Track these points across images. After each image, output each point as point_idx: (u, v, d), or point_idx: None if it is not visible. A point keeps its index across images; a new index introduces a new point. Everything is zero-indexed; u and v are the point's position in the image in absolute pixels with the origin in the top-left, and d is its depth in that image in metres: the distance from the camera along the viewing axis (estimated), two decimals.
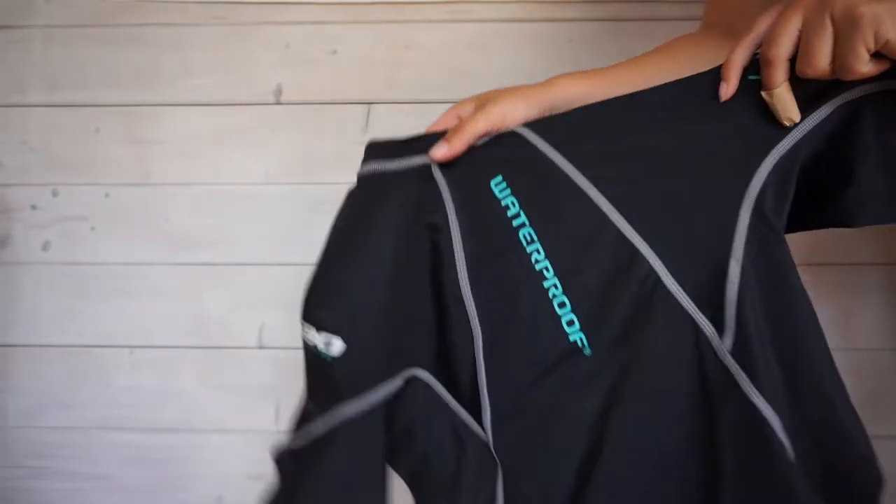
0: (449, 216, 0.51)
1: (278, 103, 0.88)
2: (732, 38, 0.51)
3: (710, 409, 0.45)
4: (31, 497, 0.89)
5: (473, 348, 0.49)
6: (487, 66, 0.87)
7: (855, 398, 0.92)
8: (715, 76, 0.47)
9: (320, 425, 0.50)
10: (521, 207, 0.50)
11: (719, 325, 0.46)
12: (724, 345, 0.45)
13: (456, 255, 0.50)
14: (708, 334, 0.46)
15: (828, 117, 0.45)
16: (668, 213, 0.47)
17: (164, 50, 0.88)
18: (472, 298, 0.50)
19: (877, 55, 0.40)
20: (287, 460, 0.52)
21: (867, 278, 0.83)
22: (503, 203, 0.50)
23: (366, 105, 0.87)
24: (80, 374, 0.89)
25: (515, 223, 0.49)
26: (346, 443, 0.49)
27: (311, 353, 0.50)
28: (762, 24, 0.45)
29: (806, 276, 0.91)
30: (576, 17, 0.85)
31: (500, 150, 0.51)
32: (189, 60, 0.88)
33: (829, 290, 0.84)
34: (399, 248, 0.51)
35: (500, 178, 0.50)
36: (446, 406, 0.50)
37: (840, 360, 0.90)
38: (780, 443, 0.44)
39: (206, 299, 0.88)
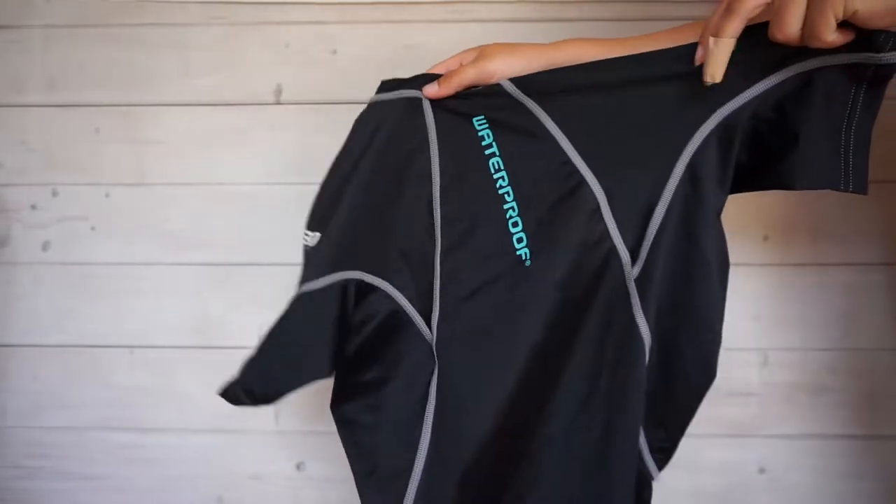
0: (430, 139, 0.59)
1: (278, 103, 0.88)
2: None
3: (606, 320, 0.54)
4: (30, 497, 0.89)
5: (434, 253, 0.58)
6: None
7: (855, 398, 0.92)
8: (693, 45, 0.51)
9: (286, 304, 0.59)
10: (493, 139, 0.58)
11: (634, 256, 0.53)
12: (632, 273, 0.53)
13: (433, 170, 0.59)
14: (624, 262, 0.54)
15: (777, 85, 0.49)
16: (619, 155, 0.54)
17: (164, 50, 0.88)
18: (439, 208, 0.58)
19: (844, 25, 0.43)
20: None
21: (868, 278, 0.83)
22: (479, 134, 0.58)
23: (366, 105, 0.87)
24: (79, 374, 0.89)
25: (487, 152, 0.58)
26: (302, 309, 0.58)
27: (303, 251, 0.61)
28: None
29: (808, 277, 0.91)
30: (576, 17, 0.85)
31: (486, 98, 0.59)
32: (189, 60, 0.88)
33: (831, 290, 0.84)
34: (382, 164, 0.60)
35: (482, 116, 0.58)
36: (399, 307, 0.59)
37: (841, 360, 0.91)
38: (645, 355, 0.54)
39: (206, 299, 0.88)
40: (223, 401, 0.58)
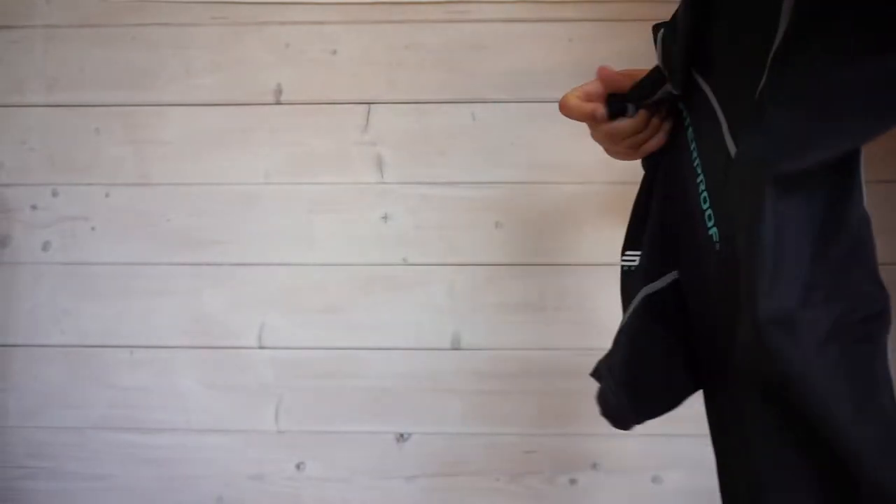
0: (686, 122, 0.60)
1: (278, 103, 0.88)
2: None
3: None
4: (31, 497, 0.89)
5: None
6: (487, 66, 0.87)
7: None
8: None
9: (623, 321, 0.58)
10: (687, 112, 0.59)
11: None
12: None
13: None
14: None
15: None
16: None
17: (164, 50, 0.88)
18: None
19: None
20: (601, 366, 0.59)
21: None
22: (683, 113, 0.60)
23: (366, 105, 0.87)
24: (80, 374, 0.89)
25: (685, 123, 0.58)
26: (646, 311, 0.57)
27: (623, 275, 0.61)
28: None
29: None
30: (576, 17, 0.85)
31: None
32: (189, 60, 0.88)
33: None
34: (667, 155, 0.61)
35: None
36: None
37: None
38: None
39: (206, 299, 0.88)
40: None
